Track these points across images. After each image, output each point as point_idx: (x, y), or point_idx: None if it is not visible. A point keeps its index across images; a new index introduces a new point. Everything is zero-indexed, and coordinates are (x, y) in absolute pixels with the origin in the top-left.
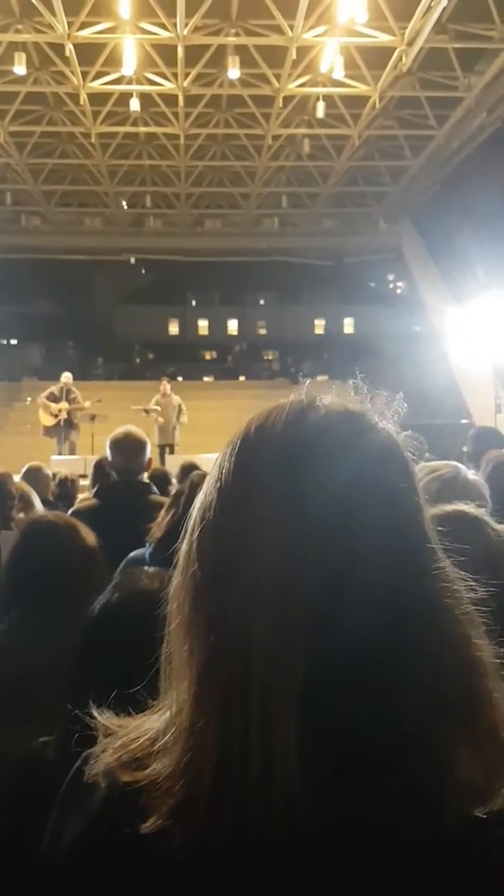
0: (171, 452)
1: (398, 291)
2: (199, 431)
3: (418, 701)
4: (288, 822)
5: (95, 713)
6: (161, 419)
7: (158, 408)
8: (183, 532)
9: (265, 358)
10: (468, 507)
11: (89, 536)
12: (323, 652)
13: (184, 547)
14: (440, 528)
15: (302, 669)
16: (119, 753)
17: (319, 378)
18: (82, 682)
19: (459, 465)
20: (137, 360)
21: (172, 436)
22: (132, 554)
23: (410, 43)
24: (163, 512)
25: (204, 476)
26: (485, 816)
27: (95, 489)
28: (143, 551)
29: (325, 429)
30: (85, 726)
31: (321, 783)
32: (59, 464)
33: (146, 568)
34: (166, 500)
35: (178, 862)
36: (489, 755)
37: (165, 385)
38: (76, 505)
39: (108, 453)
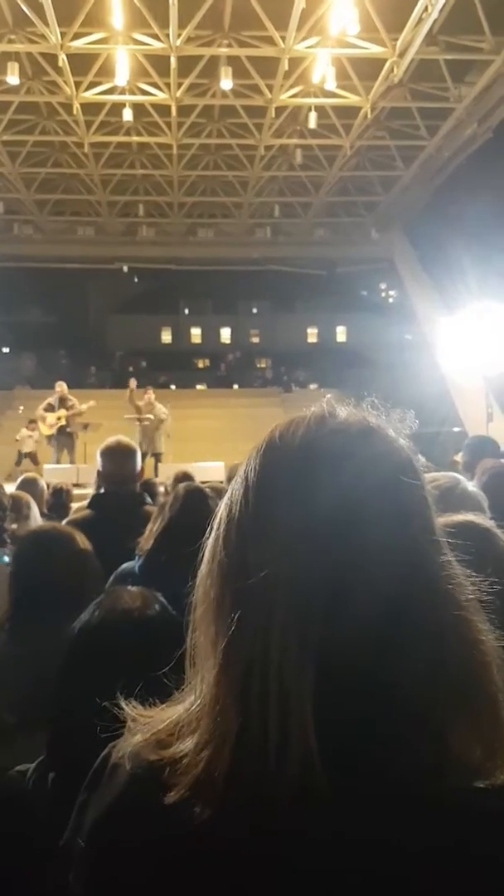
0: (159, 461)
1: (390, 300)
2: (192, 439)
3: (421, 678)
4: (302, 797)
5: (122, 703)
6: (146, 424)
7: (152, 416)
8: (210, 526)
9: (258, 366)
10: (477, 518)
11: (85, 547)
12: (335, 633)
13: (210, 541)
14: (450, 539)
15: (316, 650)
16: (145, 735)
17: (311, 386)
18: (63, 703)
19: (458, 475)
20: (130, 369)
21: (157, 445)
22: (122, 567)
23: (402, 54)
24: (151, 523)
25: (191, 486)
26: (484, 787)
27: (89, 500)
28: (133, 564)
29: (338, 433)
30: (65, 754)
31: (333, 758)
32: (52, 472)
33: (129, 587)
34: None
35: (196, 832)
36: (489, 732)
37: (150, 394)
38: (71, 515)
39: (98, 464)
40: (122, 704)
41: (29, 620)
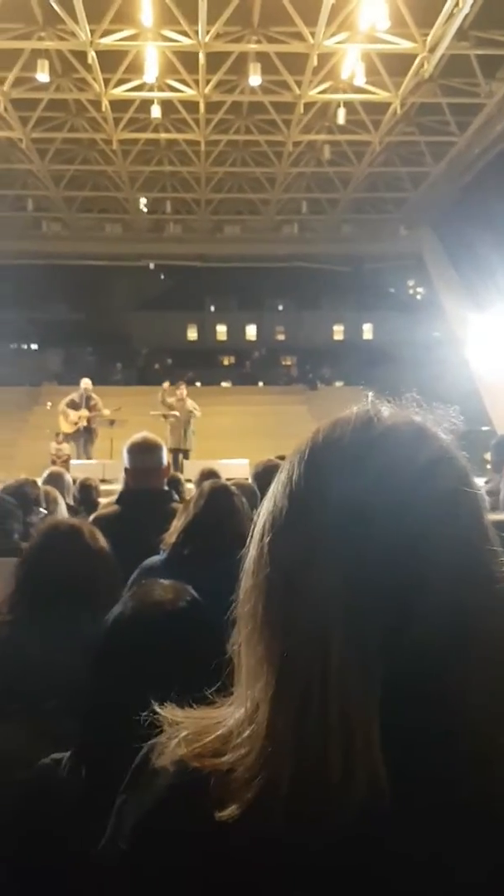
0: (186, 458)
1: (418, 297)
2: (217, 437)
3: (489, 694)
4: (367, 820)
5: (157, 707)
6: (174, 421)
7: (177, 413)
8: (250, 537)
9: (283, 363)
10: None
11: (103, 542)
12: (397, 652)
13: (253, 552)
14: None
15: (378, 672)
16: (190, 743)
17: (337, 384)
18: (95, 695)
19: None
20: (156, 366)
21: (186, 441)
22: (147, 561)
23: (432, 49)
24: (175, 519)
25: (216, 484)
26: None
27: (118, 496)
28: (158, 558)
29: (389, 436)
30: (99, 745)
31: (399, 780)
32: (78, 468)
33: (161, 580)
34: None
35: (255, 850)
36: None
37: (182, 390)
38: (99, 511)
39: (125, 460)
40: (158, 706)
41: (33, 613)
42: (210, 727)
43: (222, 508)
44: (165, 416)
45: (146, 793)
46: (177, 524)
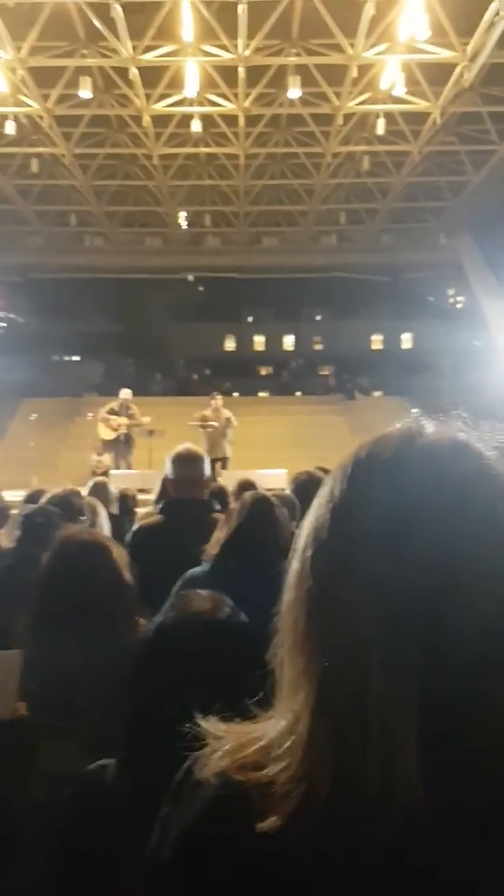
0: (224, 467)
1: (458, 306)
2: (254, 446)
3: None
4: (405, 836)
5: (201, 719)
6: (212, 431)
7: (216, 423)
8: (293, 550)
9: (321, 373)
10: None
11: (120, 555)
12: (436, 667)
13: (295, 565)
14: None
15: (417, 684)
16: (232, 756)
17: (375, 393)
18: (137, 703)
19: None
20: (194, 376)
21: (223, 450)
22: (189, 572)
23: (473, 58)
24: (217, 530)
25: (258, 495)
26: None
27: (161, 506)
28: (201, 569)
29: (432, 453)
30: (143, 747)
31: (440, 795)
32: (118, 478)
33: (199, 591)
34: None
35: (294, 862)
36: None
37: (217, 400)
38: (142, 521)
39: (168, 470)
40: (201, 718)
41: (51, 626)
42: (252, 740)
43: (264, 520)
44: (203, 427)
45: (190, 804)
46: (219, 535)
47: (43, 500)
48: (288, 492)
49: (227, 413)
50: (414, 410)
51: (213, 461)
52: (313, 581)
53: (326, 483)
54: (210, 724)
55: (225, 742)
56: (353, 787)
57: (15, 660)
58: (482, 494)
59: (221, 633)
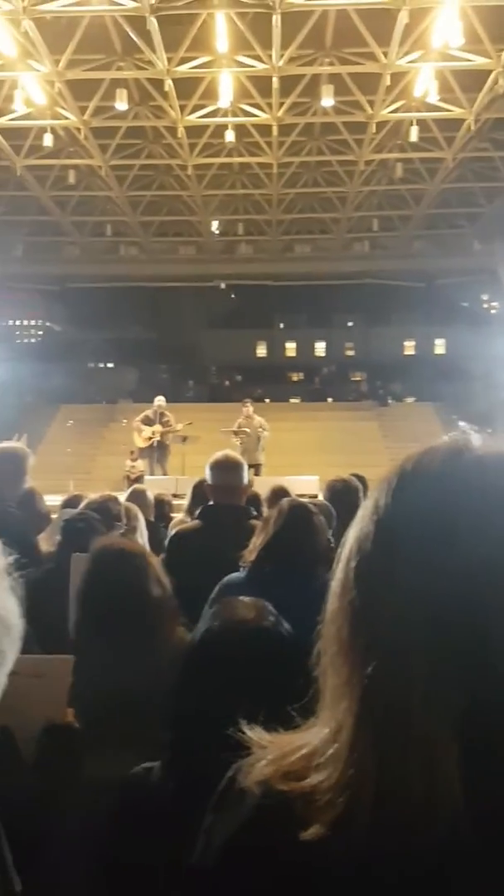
0: (257, 474)
1: (492, 312)
2: (286, 453)
3: None
4: (449, 847)
5: (246, 728)
6: (245, 437)
7: (248, 430)
8: (337, 560)
9: (353, 379)
10: None
11: (157, 563)
12: (478, 679)
13: (339, 574)
14: None
15: (460, 696)
16: (275, 765)
17: (408, 400)
18: (183, 708)
19: None
20: (226, 383)
21: (256, 456)
22: (227, 578)
23: None
24: (255, 537)
25: (296, 502)
26: None
27: (199, 511)
28: (238, 575)
29: (480, 467)
30: (189, 752)
31: (482, 807)
32: (152, 484)
33: (243, 598)
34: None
35: (338, 871)
36: None
37: (248, 408)
38: (180, 526)
39: (207, 477)
40: (245, 726)
41: (93, 635)
42: (295, 748)
43: (302, 527)
44: (236, 433)
45: (233, 813)
46: (256, 542)
47: (81, 505)
48: (322, 499)
49: (259, 420)
50: (462, 424)
51: (254, 466)
52: (357, 592)
53: (371, 495)
54: (254, 733)
55: (268, 751)
56: (395, 796)
57: (66, 666)
58: None
59: (266, 640)
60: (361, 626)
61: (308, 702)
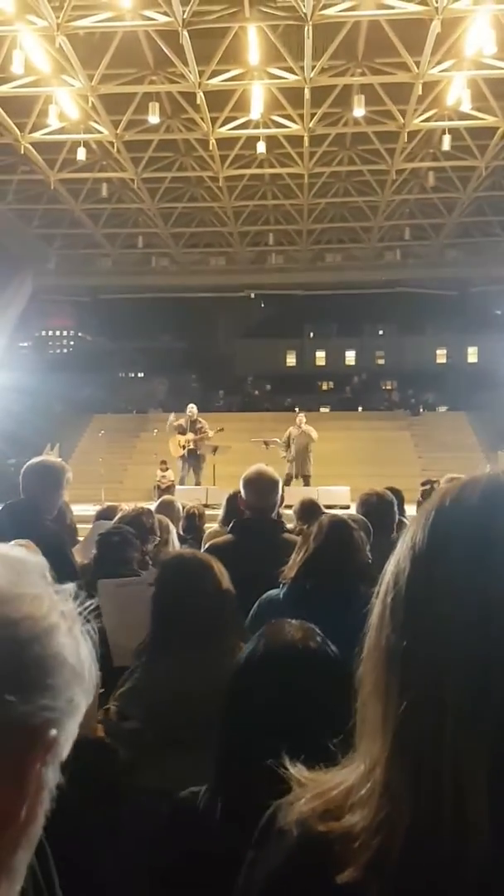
0: (307, 484)
1: None
2: (316, 463)
3: None
4: (481, 889)
5: (288, 765)
6: (283, 453)
7: (277, 440)
8: (375, 594)
9: (384, 388)
10: None
11: (223, 576)
12: None
13: (377, 608)
14: None
15: (492, 741)
16: (313, 804)
17: (441, 409)
18: (228, 733)
19: None
20: (256, 392)
21: (307, 468)
22: (266, 595)
23: None
24: (294, 553)
25: (336, 518)
26: None
27: (231, 525)
28: (277, 592)
29: None
30: (234, 780)
31: None
32: (182, 493)
33: (289, 620)
34: (297, 539)
35: None
36: None
37: (301, 416)
38: (213, 540)
39: (241, 492)
40: (288, 762)
41: (169, 647)
42: (332, 787)
43: (342, 543)
44: (266, 443)
45: (273, 851)
46: (296, 558)
47: (115, 519)
48: (355, 512)
49: (307, 428)
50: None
51: (304, 477)
52: (391, 629)
53: (408, 529)
54: (295, 770)
55: (307, 789)
56: (427, 837)
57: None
58: None
59: (313, 663)
60: (396, 663)
61: (350, 731)
